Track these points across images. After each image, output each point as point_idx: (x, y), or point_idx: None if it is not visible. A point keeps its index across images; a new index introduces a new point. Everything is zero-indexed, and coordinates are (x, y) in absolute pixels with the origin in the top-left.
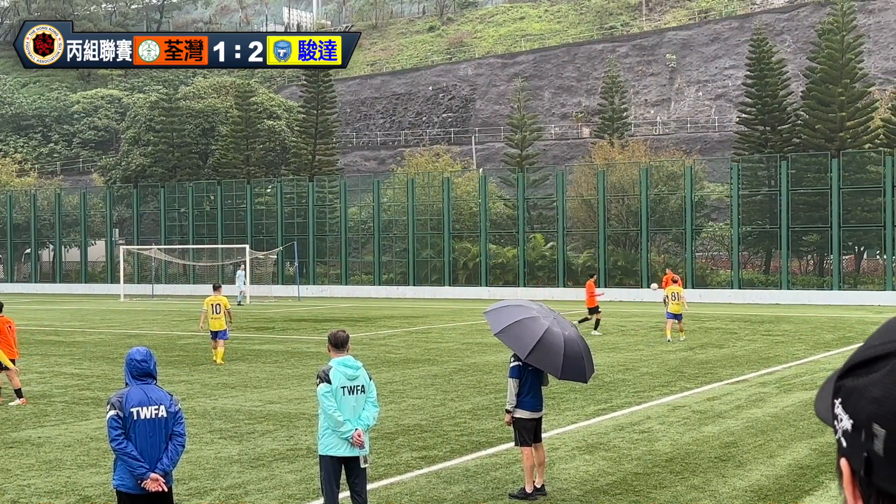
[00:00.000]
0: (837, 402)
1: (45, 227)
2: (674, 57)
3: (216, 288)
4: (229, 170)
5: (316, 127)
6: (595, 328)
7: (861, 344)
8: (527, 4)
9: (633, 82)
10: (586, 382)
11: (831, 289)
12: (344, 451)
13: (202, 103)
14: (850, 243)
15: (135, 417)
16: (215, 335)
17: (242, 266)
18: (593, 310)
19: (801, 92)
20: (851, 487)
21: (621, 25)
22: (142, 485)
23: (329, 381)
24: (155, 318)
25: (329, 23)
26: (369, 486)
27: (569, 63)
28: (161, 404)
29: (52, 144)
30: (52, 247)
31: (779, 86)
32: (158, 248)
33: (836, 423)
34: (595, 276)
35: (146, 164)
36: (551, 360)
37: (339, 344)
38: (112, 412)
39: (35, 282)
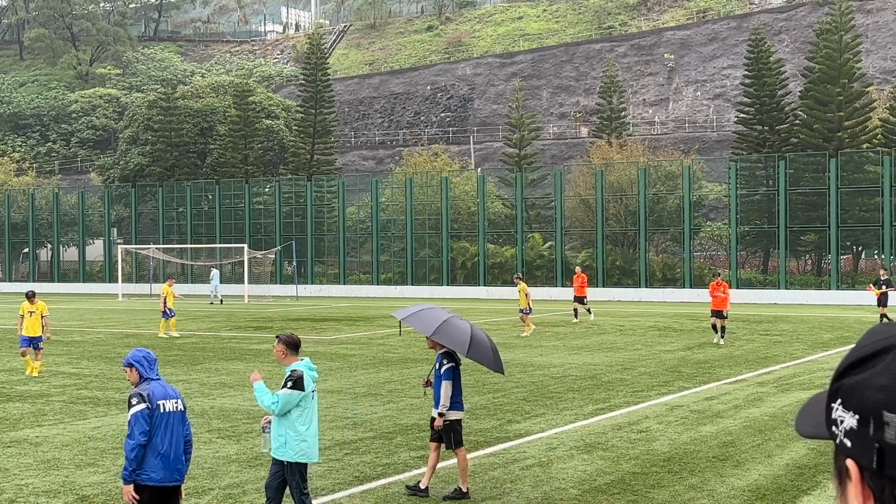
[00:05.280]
0: (836, 404)
1: (44, 227)
2: (672, 57)
3: (31, 296)
4: (227, 169)
5: (314, 126)
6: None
7: (851, 347)
8: (525, 4)
9: (632, 82)
10: (503, 374)
11: (829, 288)
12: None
13: (200, 103)
14: (847, 243)
15: (161, 410)
16: (34, 342)
17: (217, 266)
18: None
19: (800, 92)
20: (860, 487)
21: (619, 25)
22: (125, 490)
23: (303, 388)
24: (153, 317)
25: (327, 22)
26: (369, 485)
27: (567, 63)
28: (177, 398)
29: (50, 144)
30: (50, 246)
31: (777, 85)
32: (157, 248)
33: (835, 427)
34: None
35: (144, 163)
36: (484, 354)
37: (298, 346)
38: (142, 405)
39: (33, 281)
